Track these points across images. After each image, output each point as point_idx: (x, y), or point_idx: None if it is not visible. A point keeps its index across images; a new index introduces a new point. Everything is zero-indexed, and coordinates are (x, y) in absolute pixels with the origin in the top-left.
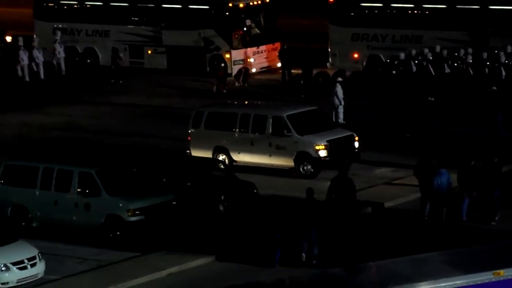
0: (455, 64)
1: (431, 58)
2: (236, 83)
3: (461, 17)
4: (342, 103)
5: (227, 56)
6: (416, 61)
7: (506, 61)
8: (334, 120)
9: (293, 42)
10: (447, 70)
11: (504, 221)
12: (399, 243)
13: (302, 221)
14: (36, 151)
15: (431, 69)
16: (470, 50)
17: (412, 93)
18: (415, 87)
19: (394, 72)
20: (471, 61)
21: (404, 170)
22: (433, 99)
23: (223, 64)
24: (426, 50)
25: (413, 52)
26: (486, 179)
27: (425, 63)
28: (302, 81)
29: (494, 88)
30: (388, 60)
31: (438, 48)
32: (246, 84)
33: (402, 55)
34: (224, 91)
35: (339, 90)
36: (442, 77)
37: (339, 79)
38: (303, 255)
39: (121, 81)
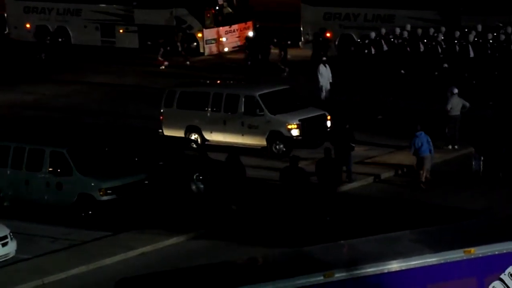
0: (425, 41)
1: (406, 36)
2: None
3: None
4: (326, 82)
5: (199, 35)
6: (388, 40)
7: (476, 39)
8: (323, 99)
9: (266, 22)
10: (422, 49)
11: (474, 200)
12: (373, 222)
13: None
14: (7, 130)
15: (407, 48)
16: (443, 29)
17: (384, 72)
18: (388, 65)
19: (366, 51)
20: (440, 40)
21: (377, 149)
22: (403, 71)
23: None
24: (398, 30)
25: (383, 31)
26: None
27: (399, 41)
28: (249, 62)
29: (446, 65)
30: (359, 40)
31: (408, 27)
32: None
33: (373, 34)
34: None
35: (322, 69)
36: (416, 55)
37: (324, 58)
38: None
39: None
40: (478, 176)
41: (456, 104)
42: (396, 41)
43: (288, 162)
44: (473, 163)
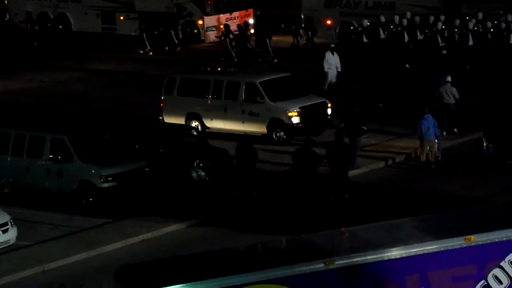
0: (426, 31)
1: (405, 24)
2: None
3: None
4: (334, 70)
5: (200, 22)
6: (388, 28)
7: (476, 28)
8: (326, 87)
9: (266, 9)
10: (420, 37)
11: (475, 187)
12: (373, 209)
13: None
14: (8, 117)
15: (405, 35)
16: (442, 18)
17: (383, 60)
18: (387, 53)
19: (365, 39)
20: (440, 28)
21: (377, 137)
22: (408, 66)
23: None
24: (397, 17)
25: (382, 19)
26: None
27: (399, 29)
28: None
29: (444, 52)
30: (359, 28)
31: (408, 15)
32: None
33: (365, 22)
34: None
35: (329, 56)
36: (414, 43)
37: (332, 45)
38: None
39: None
40: (490, 160)
41: (448, 92)
42: (396, 29)
43: (302, 143)
44: (486, 146)
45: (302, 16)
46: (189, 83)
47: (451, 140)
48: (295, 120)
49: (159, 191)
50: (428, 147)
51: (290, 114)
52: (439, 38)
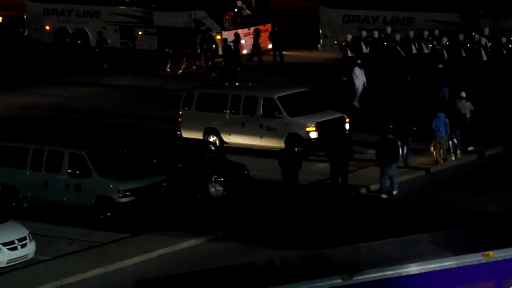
0: (431, 46)
1: (398, 40)
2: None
3: None
4: (364, 85)
5: (218, 37)
6: (385, 42)
7: (490, 43)
8: (357, 102)
9: (284, 24)
10: (426, 51)
11: (493, 203)
12: (391, 224)
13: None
14: (27, 132)
15: (400, 50)
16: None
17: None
18: (392, 67)
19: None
20: (445, 42)
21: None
22: (409, 78)
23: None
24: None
25: (389, 29)
26: None
27: (392, 44)
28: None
29: (441, 66)
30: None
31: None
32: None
33: (364, 33)
34: (213, 74)
35: (358, 72)
36: (412, 58)
37: (358, 61)
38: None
39: (105, 65)
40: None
41: (463, 108)
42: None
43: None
44: None
45: (320, 31)
46: (207, 98)
47: (469, 156)
48: (313, 135)
49: (177, 206)
50: (438, 144)
51: (308, 129)
52: (444, 53)
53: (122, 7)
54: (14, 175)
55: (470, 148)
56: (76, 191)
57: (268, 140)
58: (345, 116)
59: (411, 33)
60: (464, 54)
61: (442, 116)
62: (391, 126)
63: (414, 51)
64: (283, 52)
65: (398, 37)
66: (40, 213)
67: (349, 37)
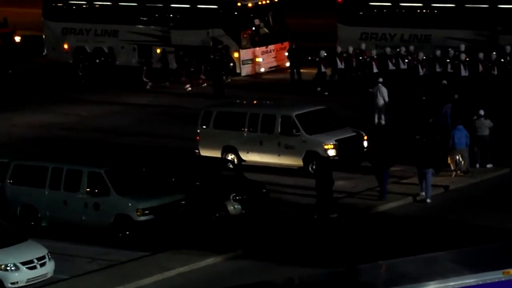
0: (447, 61)
1: (423, 57)
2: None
3: (469, 16)
4: (382, 103)
5: (236, 55)
6: (406, 60)
7: (502, 60)
8: (376, 121)
9: (302, 42)
10: (438, 69)
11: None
12: (410, 242)
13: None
14: (46, 151)
15: (420, 68)
16: (462, 47)
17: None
18: (405, 84)
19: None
20: (463, 59)
21: (413, 168)
22: (424, 98)
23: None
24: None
25: (403, 49)
26: None
27: (415, 62)
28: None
29: (445, 82)
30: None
31: (451, 52)
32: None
33: (372, 52)
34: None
35: (383, 90)
36: (432, 75)
37: (380, 79)
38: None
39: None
40: None
41: (481, 125)
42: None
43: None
44: None
45: (338, 49)
46: (225, 116)
47: (487, 173)
48: (331, 153)
49: (195, 224)
50: (459, 156)
51: (326, 146)
52: (462, 69)
53: (140, 26)
54: (33, 194)
55: (489, 166)
56: (95, 210)
57: (286, 158)
58: (364, 134)
59: (438, 52)
60: (481, 70)
61: (461, 128)
62: (430, 121)
63: (438, 69)
64: (301, 70)
65: (421, 55)
66: (59, 232)
67: (374, 52)
